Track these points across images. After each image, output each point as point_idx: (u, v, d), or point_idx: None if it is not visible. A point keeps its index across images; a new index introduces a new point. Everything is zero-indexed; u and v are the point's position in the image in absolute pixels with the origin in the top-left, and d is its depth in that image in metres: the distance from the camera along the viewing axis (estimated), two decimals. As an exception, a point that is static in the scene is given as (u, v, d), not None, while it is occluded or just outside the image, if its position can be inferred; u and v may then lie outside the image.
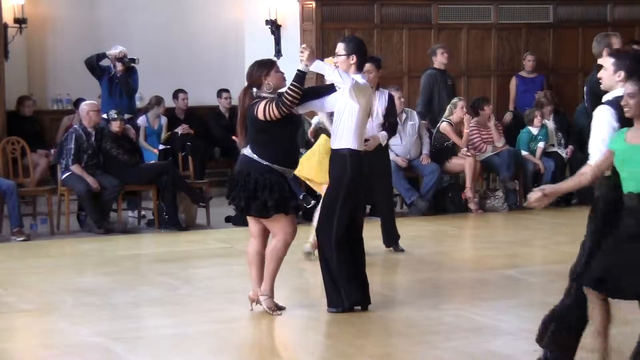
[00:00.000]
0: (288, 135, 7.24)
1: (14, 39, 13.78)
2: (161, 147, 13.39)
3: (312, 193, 12.36)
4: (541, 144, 13.28)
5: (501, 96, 15.21)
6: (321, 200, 8.04)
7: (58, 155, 11.55)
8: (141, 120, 13.34)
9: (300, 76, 7.05)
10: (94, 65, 12.57)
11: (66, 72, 14.35)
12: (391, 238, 9.85)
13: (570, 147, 13.38)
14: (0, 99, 12.68)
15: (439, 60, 13.53)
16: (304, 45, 7.19)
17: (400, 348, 6.59)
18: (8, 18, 13.72)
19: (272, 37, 15.03)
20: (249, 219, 7.36)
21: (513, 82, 15.09)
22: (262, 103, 7.09)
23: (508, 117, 14.61)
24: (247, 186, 7.09)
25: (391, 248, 9.85)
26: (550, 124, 13.51)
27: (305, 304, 7.76)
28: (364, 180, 7.47)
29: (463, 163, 12.72)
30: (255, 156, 7.13)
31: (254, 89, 7.22)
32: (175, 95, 14.14)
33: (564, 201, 13.24)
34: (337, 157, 7.33)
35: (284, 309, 7.38)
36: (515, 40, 15.72)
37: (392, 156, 12.26)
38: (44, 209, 11.90)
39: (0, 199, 11.10)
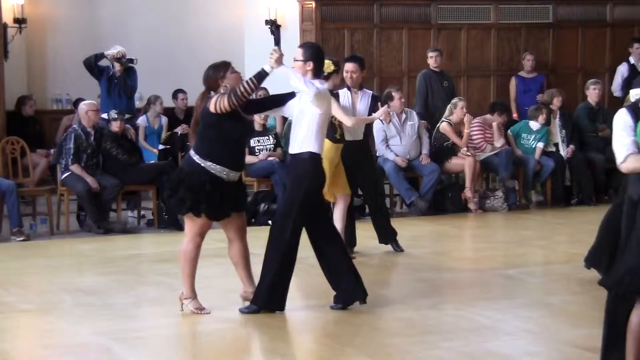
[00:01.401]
0: (236, 137, 7.27)
1: (13, 39, 13.80)
2: (161, 147, 13.39)
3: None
4: (540, 144, 13.27)
5: (501, 96, 15.20)
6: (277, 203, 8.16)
7: (58, 155, 11.55)
8: (141, 120, 13.35)
9: (262, 75, 7.11)
10: (93, 65, 12.58)
11: (66, 72, 14.37)
12: (384, 235, 9.83)
13: (572, 146, 13.38)
14: (-1, 99, 12.71)
15: (431, 62, 13.59)
16: (275, 48, 7.31)
17: (400, 348, 6.58)
18: (8, 18, 13.74)
19: (272, 37, 15.04)
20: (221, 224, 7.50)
21: (513, 82, 15.10)
22: (215, 97, 7.15)
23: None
24: (172, 182, 7.22)
25: (389, 245, 9.82)
26: (556, 122, 13.46)
27: (304, 304, 7.76)
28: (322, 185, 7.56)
29: (463, 163, 12.73)
30: (196, 156, 7.18)
31: (212, 93, 7.28)
32: (174, 95, 14.15)
33: (564, 201, 13.25)
34: (299, 161, 7.35)
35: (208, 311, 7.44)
36: (515, 40, 15.73)
37: (391, 156, 12.29)
38: (43, 209, 11.90)
39: (0, 199, 11.10)
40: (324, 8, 14.80)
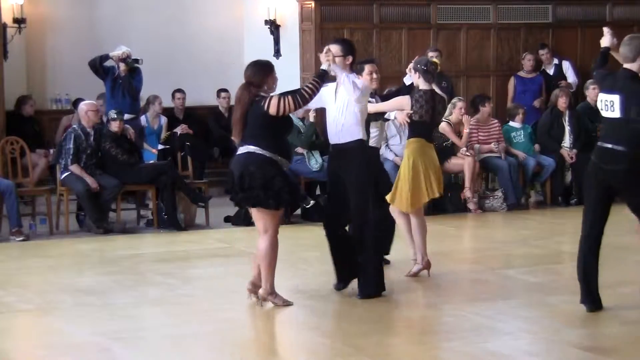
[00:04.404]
0: (285, 133, 7.59)
1: (13, 39, 13.78)
2: (160, 147, 13.39)
3: (312, 194, 12.40)
4: (537, 146, 13.32)
5: (500, 96, 15.21)
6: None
7: (57, 155, 11.54)
8: (141, 120, 13.34)
9: (323, 74, 7.50)
10: (97, 66, 12.57)
11: (65, 72, 14.36)
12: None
13: (574, 151, 13.26)
14: (-1, 99, 12.71)
15: (438, 64, 13.52)
16: (329, 47, 7.67)
17: (400, 348, 6.59)
18: (7, 18, 13.72)
19: (272, 37, 15.04)
20: (256, 215, 7.46)
21: (511, 82, 15.09)
22: (275, 98, 7.30)
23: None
24: (255, 179, 7.25)
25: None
26: (565, 124, 13.43)
27: (304, 304, 7.75)
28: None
29: (462, 163, 12.73)
30: (257, 149, 7.29)
31: (251, 89, 7.39)
32: (173, 95, 14.15)
33: (563, 201, 13.25)
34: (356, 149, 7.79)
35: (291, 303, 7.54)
36: (514, 40, 15.72)
37: (391, 156, 12.28)
38: (43, 209, 11.90)
39: None
40: (324, 8, 14.79)
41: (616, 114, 7.11)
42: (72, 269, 9.49)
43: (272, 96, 7.33)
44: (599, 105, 7.30)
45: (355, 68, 8.16)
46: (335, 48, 7.77)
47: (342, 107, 7.79)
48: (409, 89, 8.74)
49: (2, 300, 8.10)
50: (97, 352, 6.60)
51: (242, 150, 7.40)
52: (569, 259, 9.32)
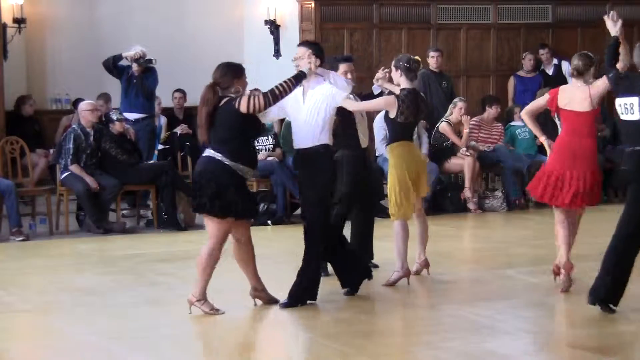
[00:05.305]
0: (252, 136, 7.57)
1: (13, 39, 13.80)
2: (160, 147, 13.39)
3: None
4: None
5: (500, 96, 15.19)
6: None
7: (57, 155, 11.55)
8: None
9: (300, 77, 7.36)
10: (111, 67, 12.56)
11: (65, 72, 14.36)
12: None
13: None
14: (-1, 99, 12.72)
15: (430, 63, 13.58)
16: (313, 58, 7.43)
17: (399, 348, 6.59)
18: (7, 18, 13.74)
19: (272, 37, 15.04)
20: (205, 221, 7.42)
21: (511, 82, 15.10)
22: (245, 97, 7.22)
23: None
24: (209, 185, 7.18)
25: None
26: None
27: (304, 305, 7.74)
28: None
29: (462, 163, 12.73)
30: (218, 155, 7.24)
31: (218, 89, 7.36)
32: (173, 94, 14.15)
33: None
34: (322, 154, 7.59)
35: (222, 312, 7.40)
36: (514, 40, 15.73)
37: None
38: (43, 208, 11.90)
39: (-1, 198, 11.12)
40: (324, 8, 14.81)
41: (636, 116, 7.06)
42: (72, 269, 9.49)
43: (242, 96, 7.26)
44: (617, 110, 7.23)
45: (331, 67, 8.02)
46: (302, 50, 7.63)
47: (312, 109, 7.53)
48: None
49: (2, 300, 8.11)
50: (97, 352, 6.60)
51: (205, 153, 7.38)
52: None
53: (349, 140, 8.48)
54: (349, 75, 8.46)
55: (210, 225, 7.31)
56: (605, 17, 7.55)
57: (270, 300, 7.58)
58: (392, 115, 8.15)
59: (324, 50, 7.76)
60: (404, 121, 8.14)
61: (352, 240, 8.55)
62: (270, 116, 7.86)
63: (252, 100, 7.18)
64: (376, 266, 8.75)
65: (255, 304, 7.56)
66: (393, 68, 8.34)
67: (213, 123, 7.29)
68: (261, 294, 7.59)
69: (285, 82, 7.27)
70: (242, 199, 7.26)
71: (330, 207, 7.76)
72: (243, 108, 7.18)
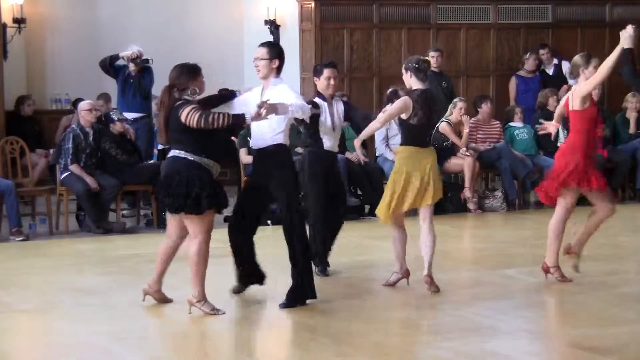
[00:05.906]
0: (213, 134, 7.31)
1: (12, 39, 13.80)
2: (160, 147, 13.38)
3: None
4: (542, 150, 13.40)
5: (500, 96, 15.22)
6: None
7: (57, 155, 11.55)
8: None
9: (241, 119, 7.25)
10: (108, 67, 12.58)
11: (65, 72, 14.37)
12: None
13: None
14: (-1, 99, 12.72)
15: (431, 62, 13.51)
16: (268, 104, 7.19)
17: (399, 348, 6.59)
18: (7, 18, 13.74)
19: (271, 37, 15.04)
20: (171, 219, 7.45)
21: (513, 82, 15.09)
22: (188, 108, 7.17)
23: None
24: (179, 185, 7.16)
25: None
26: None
27: (303, 305, 7.74)
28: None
29: (462, 163, 12.73)
30: (182, 152, 7.23)
31: (175, 90, 7.32)
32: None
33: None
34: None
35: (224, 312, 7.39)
36: (514, 40, 15.74)
37: (391, 156, 12.26)
38: (43, 208, 11.91)
39: (-1, 198, 11.12)
40: (323, 8, 14.81)
41: None
42: (72, 269, 9.49)
43: (189, 103, 7.23)
44: None
45: (315, 73, 7.94)
46: (261, 51, 7.59)
47: None
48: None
49: (2, 300, 8.10)
50: (97, 352, 6.60)
51: (169, 154, 7.38)
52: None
53: (312, 139, 8.61)
54: (332, 81, 8.46)
55: (192, 224, 7.28)
56: (629, 30, 7.60)
57: (164, 300, 7.69)
58: (405, 116, 8.02)
59: (284, 52, 7.71)
60: (417, 123, 7.98)
61: (316, 237, 8.53)
62: None
63: (189, 115, 7.12)
64: (326, 270, 8.68)
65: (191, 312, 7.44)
66: (403, 70, 8.26)
67: (169, 126, 7.30)
68: (155, 293, 7.71)
69: (224, 115, 7.17)
70: (208, 192, 7.17)
71: (299, 204, 7.71)
72: (182, 118, 7.16)
